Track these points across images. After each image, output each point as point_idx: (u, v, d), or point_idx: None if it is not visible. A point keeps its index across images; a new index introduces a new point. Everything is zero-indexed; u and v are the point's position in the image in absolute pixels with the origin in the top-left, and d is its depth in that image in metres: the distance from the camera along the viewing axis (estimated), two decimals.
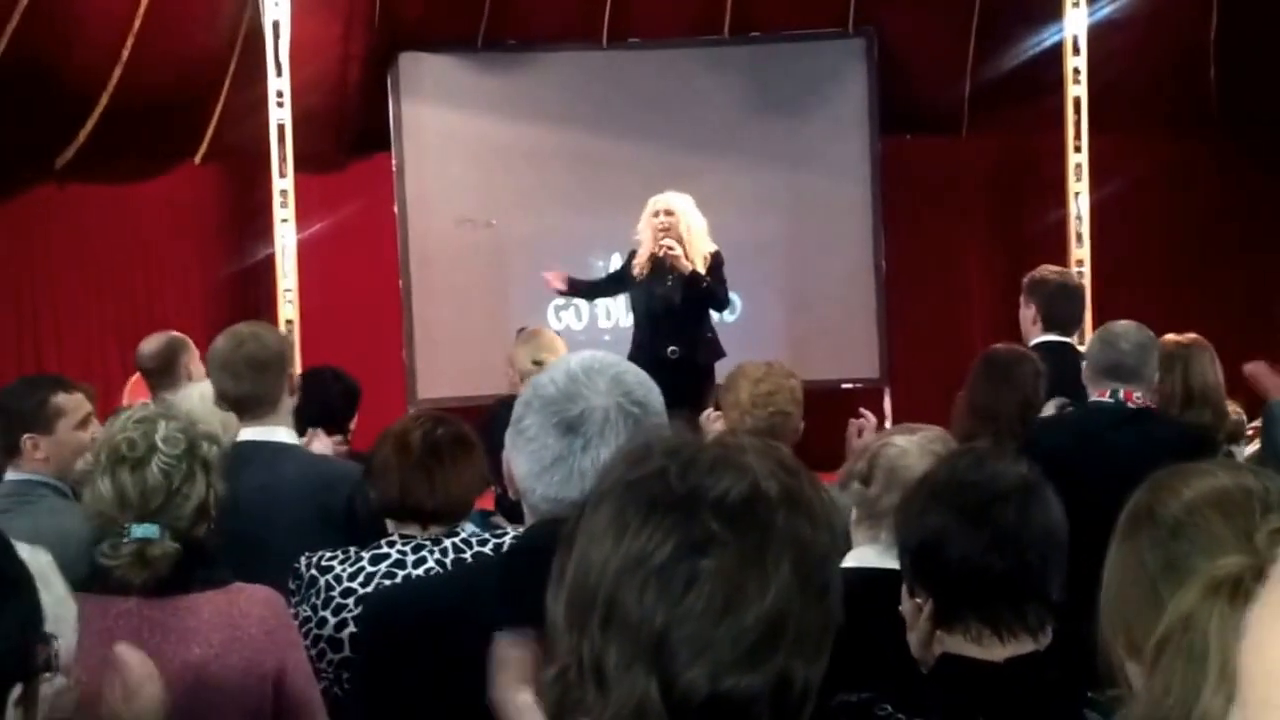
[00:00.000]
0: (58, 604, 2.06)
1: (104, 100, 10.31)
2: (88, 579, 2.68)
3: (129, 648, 2.18)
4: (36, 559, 1.56)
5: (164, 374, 5.64)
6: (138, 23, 9.95)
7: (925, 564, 2.29)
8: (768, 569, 1.24)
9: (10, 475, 3.73)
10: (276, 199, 9.85)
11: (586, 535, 1.29)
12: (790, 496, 1.29)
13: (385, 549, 3.31)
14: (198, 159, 11.03)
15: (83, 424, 3.83)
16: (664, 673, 1.22)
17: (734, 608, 1.23)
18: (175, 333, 5.93)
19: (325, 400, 4.78)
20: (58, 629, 2.04)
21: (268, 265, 10.20)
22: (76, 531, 3.36)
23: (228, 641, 2.73)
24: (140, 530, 2.69)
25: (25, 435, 3.73)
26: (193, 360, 5.69)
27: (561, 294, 8.42)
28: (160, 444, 2.75)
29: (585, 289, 8.34)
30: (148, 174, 10.99)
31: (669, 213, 7.31)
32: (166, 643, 2.69)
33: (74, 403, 3.84)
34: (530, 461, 2.07)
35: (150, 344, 5.80)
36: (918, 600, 2.29)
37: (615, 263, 8.66)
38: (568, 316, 10.82)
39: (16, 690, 1.44)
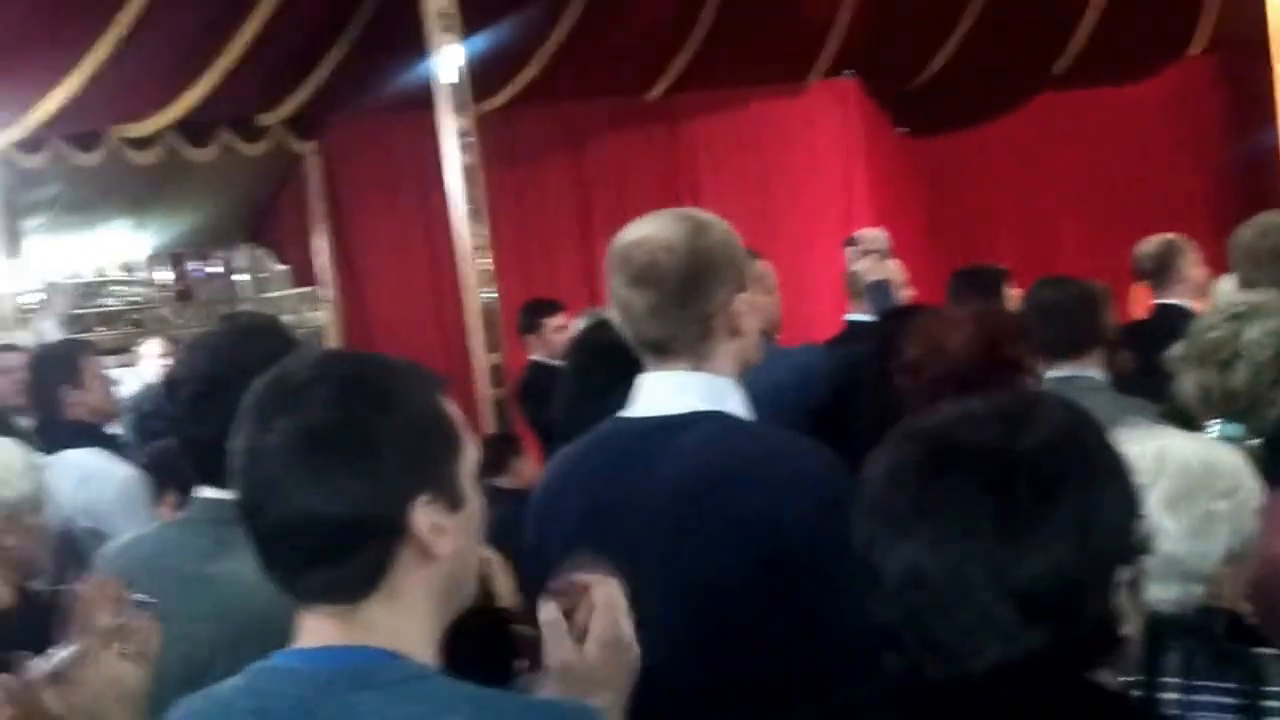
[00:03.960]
0: None
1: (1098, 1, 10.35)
2: None
3: None
4: None
5: (1161, 275, 5.75)
6: None
7: None
8: None
9: None
10: None
11: None
12: None
13: None
14: (1195, 50, 10.74)
15: None
16: None
17: None
18: (1172, 235, 5.96)
19: None
20: None
21: (1272, 158, 9.68)
22: None
23: None
24: (1225, 430, 2.62)
25: None
26: (1190, 263, 5.71)
27: None
28: (1250, 345, 2.67)
29: None
30: (1144, 71, 10.88)
31: None
32: None
33: None
34: None
35: (1147, 246, 5.90)
36: None
37: None
38: None
39: (1125, 573, 1.45)
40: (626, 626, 1.76)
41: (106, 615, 1.84)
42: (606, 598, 1.76)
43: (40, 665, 1.82)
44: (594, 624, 1.75)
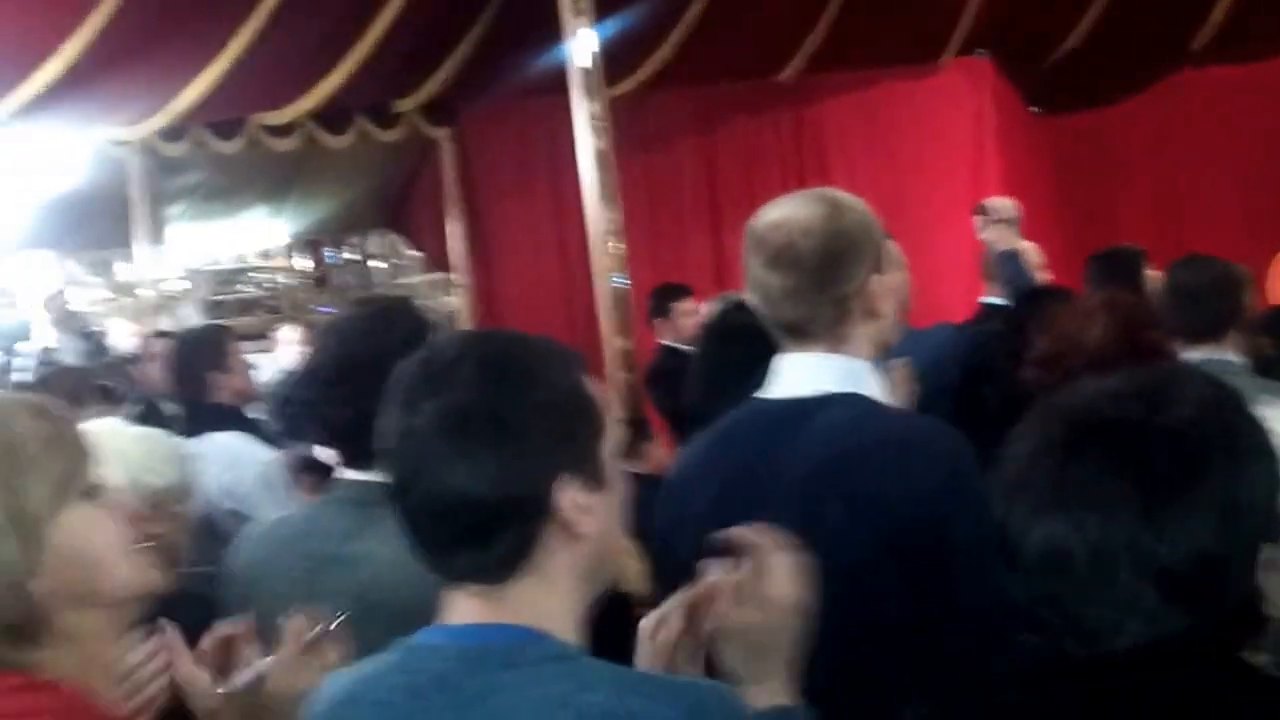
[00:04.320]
0: None
1: None
2: None
3: None
4: None
5: None
6: None
7: None
8: None
9: None
10: None
11: None
12: None
13: None
14: None
15: None
16: None
17: None
18: None
19: None
20: None
21: None
22: None
23: None
24: None
25: None
26: None
27: None
28: None
29: None
30: None
31: None
32: None
33: None
34: None
35: None
36: None
37: None
38: None
39: (1270, 551, 1.42)
40: (805, 593, 1.75)
41: (308, 631, 1.91)
42: (786, 562, 1.74)
43: (244, 675, 1.90)
44: (774, 588, 1.73)
